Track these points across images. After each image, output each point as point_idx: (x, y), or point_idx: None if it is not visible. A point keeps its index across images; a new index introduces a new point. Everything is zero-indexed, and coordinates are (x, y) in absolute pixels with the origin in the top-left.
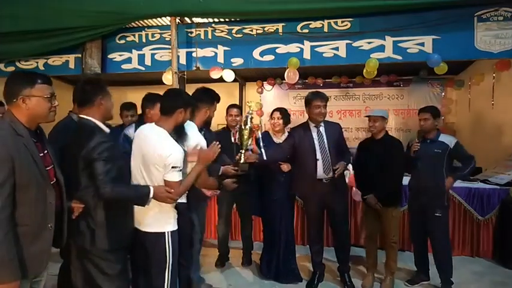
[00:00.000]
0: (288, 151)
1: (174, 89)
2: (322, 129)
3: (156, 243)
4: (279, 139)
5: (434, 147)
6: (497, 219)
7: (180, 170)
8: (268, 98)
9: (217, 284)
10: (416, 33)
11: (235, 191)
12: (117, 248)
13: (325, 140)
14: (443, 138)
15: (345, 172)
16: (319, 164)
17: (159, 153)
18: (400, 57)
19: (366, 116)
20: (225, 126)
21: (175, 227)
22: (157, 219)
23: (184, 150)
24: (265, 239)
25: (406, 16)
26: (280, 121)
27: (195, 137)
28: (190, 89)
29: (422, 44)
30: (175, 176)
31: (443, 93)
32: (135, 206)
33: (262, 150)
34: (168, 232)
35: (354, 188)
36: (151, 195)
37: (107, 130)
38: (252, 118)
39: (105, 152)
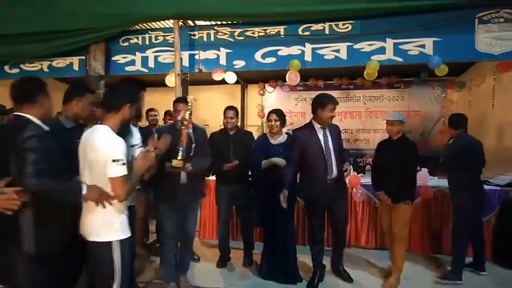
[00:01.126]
0: (296, 158)
1: (117, 84)
2: (327, 131)
3: (101, 254)
4: (275, 140)
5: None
6: (497, 220)
7: (124, 164)
8: (270, 99)
9: (218, 284)
10: (416, 35)
11: (233, 191)
12: (45, 253)
13: (330, 142)
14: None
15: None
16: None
17: (96, 148)
18: (400, 59)
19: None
20: (222, 128)
21: (127, 234)
22: (101, 226)
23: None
24: (266, 240)
25: (407, 18)
26: (278, 123)
27: (138, 134)
28: (193, 91)
29: (423, 46)
30: (118, 171)
31: (443, 95)
32: (82, 212)
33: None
34: (115, 241)
35: (354, 189)
36: (84, 191)
37: (46, 128)
38: (190, 114)
39: (36, 143)
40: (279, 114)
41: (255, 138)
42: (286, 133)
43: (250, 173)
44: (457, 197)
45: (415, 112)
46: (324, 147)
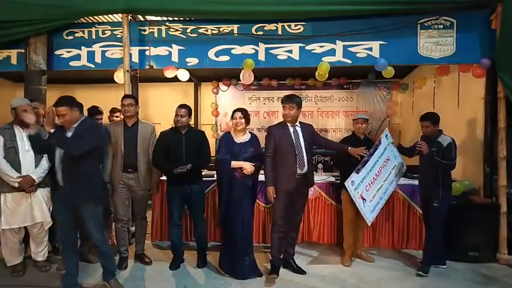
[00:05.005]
0: (271, 154)
1: None
2: (298, 128)
3: None
4: (240, 139)
5: (432, 146)
6: None
7: None
8: (224, 98)
9: (171, 286)
10: (364, 38)
11: (185, 192)
12: None
13: (301, 138)
14: (441, 138)
15: None
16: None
17: None
18: (349, 61)
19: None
20: (173, 126)
21: None
22: None
23: None
24: (226, 237)
25: (356, 22)
26: (243, 121)
27: None
28: (143, 88)
29: (370, 49)
30: None
31: (389, 96)
32: None
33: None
34: None
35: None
36: None
37: None
38: None
39: None
40: (243, 112)
41: (215, 137)
42: (250, 132)
43: (216, 170)
44: (442, 193)
45: (363, 112)
46: (294, 143)
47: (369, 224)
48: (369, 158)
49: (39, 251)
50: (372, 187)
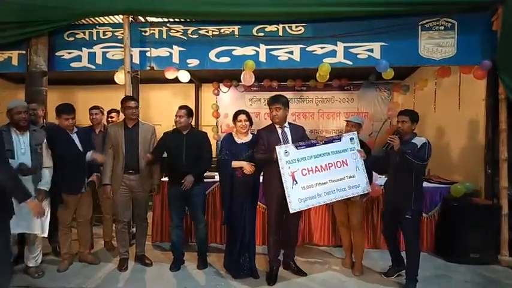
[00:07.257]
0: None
1: None
2: (286, 129)
3: None
4: (241, 140)
5: (406, 149)
6: (439, 216)
7: None
8: (225, 99)
9: (171, 287)
10: (365, 39)
11: (186, 193)
12: None
13: (290, 140)
14: (416, 139)
15: None
16: None
17: None
18: (350, 63)
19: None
20: (175, 127)
21: None
22: None
23: None
24: (230, 237)
25: (356, 23)
26: (247, 123)
27: None
28: (144, 89)
29: (371, 50)
30: None
31: (390, 97)
32: None
33: None
34: None
35: None
36: None
37: None
38: None
39: None
40: (247, 114)
41: (216, 138)
42: (252, 133)
43: (218, 171)
44: (415, 203)
45: (364, 114)
46: (283, 144)
47: (291, 212)
48: (315, 144)
49: (32, 257)
50: (310, 176)
